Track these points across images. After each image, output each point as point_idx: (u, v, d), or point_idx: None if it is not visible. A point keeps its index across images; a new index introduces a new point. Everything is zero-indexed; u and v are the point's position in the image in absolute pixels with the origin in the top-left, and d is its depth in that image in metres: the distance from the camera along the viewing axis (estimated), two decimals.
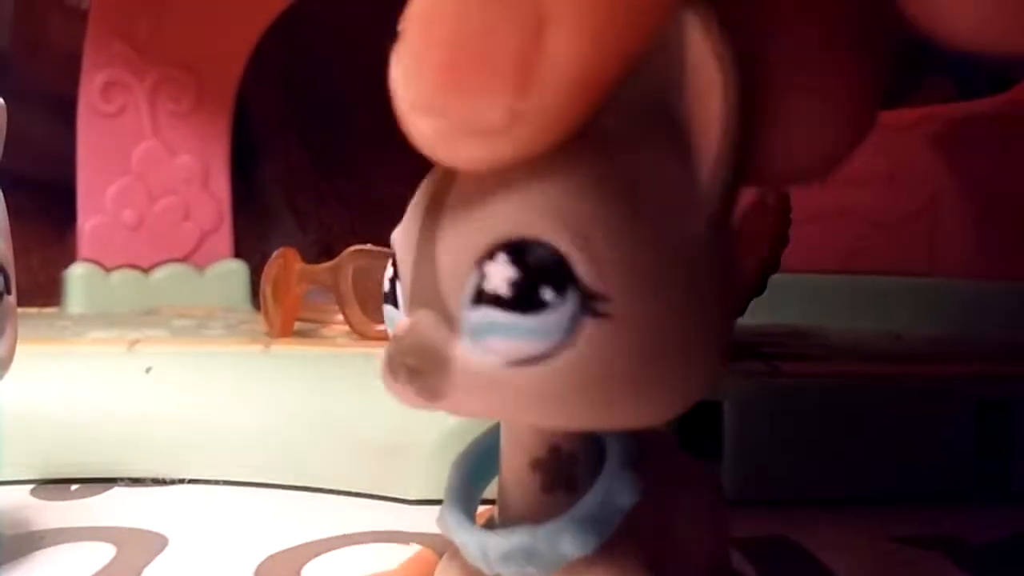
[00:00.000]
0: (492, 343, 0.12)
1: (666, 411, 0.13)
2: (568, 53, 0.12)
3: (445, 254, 0.13)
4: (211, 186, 0.46)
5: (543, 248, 0.12)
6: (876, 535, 0.25)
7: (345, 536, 0.24)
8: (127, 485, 0.28)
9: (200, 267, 0.46)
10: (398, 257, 0.14)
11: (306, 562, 0.23)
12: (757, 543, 0.24)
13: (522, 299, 0.12)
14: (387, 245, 0.15)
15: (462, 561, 0.16)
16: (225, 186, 0.46)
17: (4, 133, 0.22)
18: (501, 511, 0.16)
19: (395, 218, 0.15)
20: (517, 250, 0.12)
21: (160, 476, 0.28)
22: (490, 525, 0.16)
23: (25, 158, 0.44)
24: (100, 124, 0.44)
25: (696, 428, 0.27)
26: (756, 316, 0.30)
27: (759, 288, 0.30)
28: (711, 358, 0.13)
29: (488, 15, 0.11)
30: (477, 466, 0.17)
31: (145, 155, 0.45)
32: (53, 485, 0.28)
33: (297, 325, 0.35)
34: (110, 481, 0.28)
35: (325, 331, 0.35)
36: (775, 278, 0.30)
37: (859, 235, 0.42)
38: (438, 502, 0.17)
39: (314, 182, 0.55)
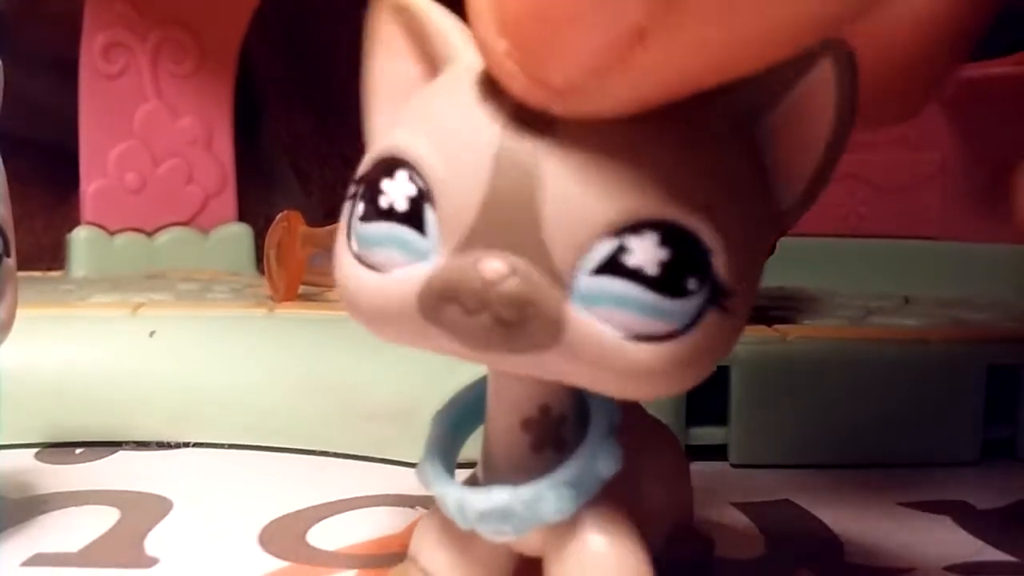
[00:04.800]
0: (615, 314, 0.12)
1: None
2: (657, 67, 0.11)
3: (560, 204, 0.12)
4: (214, 148, 0.46)
5: (693, 238, 0.12)
6: (883, 500, 0.25)
7: (350, 500, 0.24)
8: (131, 449, 0.28)
9: (204, 230, 0.46)
10: (436, 174, 0.13)
11: (311, 526, 0.23)
12: (763, 507, 0.24)
13: (667, 282, 0.12)
14: None
15: (442, 515, 0.16)
16: (229, 149, 0.46)
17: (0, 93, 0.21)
18: (485, 469, 0.16)
19: None
20: (670, 233, 0.12)
21: (165, 440, 0.28)
22: (472, 481, 0.16)
23: (27, 121, 0.44)
24: (101, 86, 0.43)
25: (703, 392, 0.26)
26: (765, 279, 0.29)
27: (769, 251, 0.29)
28: None
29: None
30: (458, 421, 0.17)
31: (147, 117, 0.44)
32: (57, 449, 0.28)
33: (301, 289, 0.34)
34: (114, 445, 0.28)
35: (330, 295, 0.35)
36: (784, 241, 0.30)
37: (869, 198, 0.41)
38: None
39: (318, 144, 0.55)
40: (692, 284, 0.12)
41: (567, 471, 0.15)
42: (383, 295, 0.13)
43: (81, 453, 0.28)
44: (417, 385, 0.27)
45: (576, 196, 0.12)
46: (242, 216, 0.47)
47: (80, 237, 0.44)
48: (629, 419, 0.16)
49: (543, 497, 0.15)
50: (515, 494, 0.15)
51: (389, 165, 0.13)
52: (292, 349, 0.29)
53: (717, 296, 0.12)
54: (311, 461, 0.28)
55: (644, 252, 0.12)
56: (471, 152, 0.13)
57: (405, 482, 0.25)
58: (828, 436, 0.27)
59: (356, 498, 0.24)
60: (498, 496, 0.15)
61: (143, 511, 0.23)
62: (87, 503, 0.24)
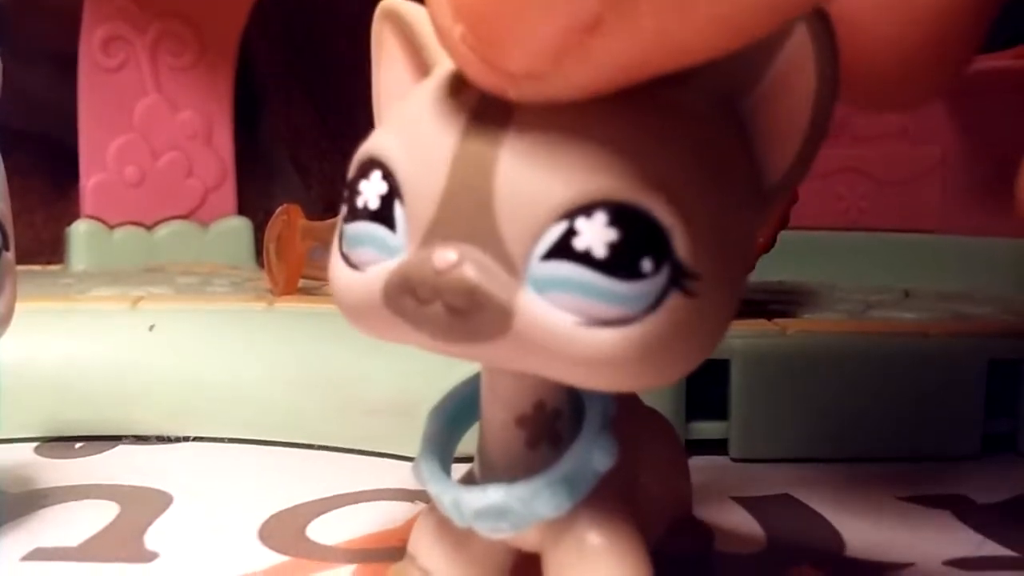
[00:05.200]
0: (567, 300, 0.12)
1: (686, 373, 0.13)
2: (614, 52, 0.11)
3: (511, 192, 0.12)
4: (214, 142, 0.46)
5: (647, 217, 0.12)
6: (883, 494, 0.25)
7: (350, 494, 0.24)
8: (131, 443, 0.28)
9: (204, 224, 0.46)
10: (403, 172, 0.13)
11: (310, 520, 0.23)
12: (763, 501, 0.24)
13: (618, 264, 0.12)
14: None
15: (439, 513, 0.16)
16: (228, 142, 0.46)
17: None
18: (482, 466, 0.16)
19: None
20: (621, 214, 0.12)
21: (164, 434, 0.28)
22: (469, 479, 0.16)
23: (27, 115, 0.44)
24: (101, 79, 0.43)
25: (703, 386, 0.26)
26: (765, 273, 0.29)
27: (769, 245, 0.29)
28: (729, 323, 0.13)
29: None
30: (455, 416, 0.17)
31: (147, 111, 0.44)
32: (57, 443, 0.28)
33: (301, 282, 0.34)
34: (114, 439, 0.28)
35: (329, 288, 0.35)
36: (784, 235, 0.30)
37: (870, 192, 0.41)
38: None
39: (318, 138, 0.55)
40: (647, 265, 0.12)
41: (563, 467, 0.15)
42: (359, 291, 0.14)
43: (81, 447, 0.28)
44: (416, 380, 0.27)
45: (527, 182, 0.12)
46: (242, 210, 0.47)
47: (80, 231, 0.44)
48: (624, 411, 0.16)
49: (539, 494, 0.14)
50: (511, 491, 0.15)
51: (366, 166, 0.14)
52: (292, 343, 0.29)
53: (679, 278, 0.12)
54: (311, 456, 0.27)
55: (592, 233, 0.12)
56: (434, 148, 0.13)
57: (405, 476, 0.25)
58: (828, 430, 0.27)
59: (356, 492, 0.24)
60: (494, 494, 0.15)
61: (143, 505, 0.23)
62: (87, 497, 0.24)
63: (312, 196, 0.54)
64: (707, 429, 0.27)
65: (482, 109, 0.13)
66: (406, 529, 0.22)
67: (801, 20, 0.12)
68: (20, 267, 0.21)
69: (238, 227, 0.46)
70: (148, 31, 0.44)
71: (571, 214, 0.12)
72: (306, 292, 0.34)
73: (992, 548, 0.22)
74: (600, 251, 0.12)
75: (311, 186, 0.55)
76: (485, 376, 0.16)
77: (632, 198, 0.12)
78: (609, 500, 0.15)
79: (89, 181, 0.44)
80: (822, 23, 0.12)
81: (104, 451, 0.28)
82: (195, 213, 0.46)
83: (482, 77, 0.12)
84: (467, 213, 0.13)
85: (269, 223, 0.34)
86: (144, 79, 0.44)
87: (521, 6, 0.11)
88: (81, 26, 0.43)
